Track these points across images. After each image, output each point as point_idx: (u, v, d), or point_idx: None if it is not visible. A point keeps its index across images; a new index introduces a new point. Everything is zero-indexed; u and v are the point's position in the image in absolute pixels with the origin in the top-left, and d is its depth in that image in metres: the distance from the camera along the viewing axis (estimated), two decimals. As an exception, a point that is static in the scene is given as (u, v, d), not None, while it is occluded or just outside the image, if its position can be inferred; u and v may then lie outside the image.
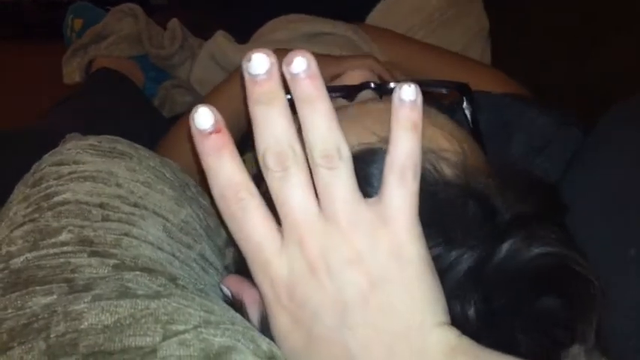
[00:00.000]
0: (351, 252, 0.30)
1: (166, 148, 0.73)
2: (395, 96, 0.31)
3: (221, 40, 0.90)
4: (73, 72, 1.01)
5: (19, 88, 1.09)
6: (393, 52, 0.86)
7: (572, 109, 0.70)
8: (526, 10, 0.95)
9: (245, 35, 0.95)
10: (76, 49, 1.01)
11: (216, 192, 0.31)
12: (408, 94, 0.30)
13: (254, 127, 0.30)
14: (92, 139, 0.48)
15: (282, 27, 0.90)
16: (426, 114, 0.31)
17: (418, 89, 0.31)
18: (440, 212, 0.34)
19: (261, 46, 0.92)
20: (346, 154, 0.30)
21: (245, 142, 0.45)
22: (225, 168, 0.30)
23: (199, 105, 0.30)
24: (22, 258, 0.37)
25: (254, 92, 0.29)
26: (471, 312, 0.33)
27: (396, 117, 0.30)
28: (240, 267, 0.37)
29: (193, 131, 0.30)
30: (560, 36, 0.88)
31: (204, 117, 0.30)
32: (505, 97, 0.63)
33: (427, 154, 0.36)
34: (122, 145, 0.49)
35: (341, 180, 0.30)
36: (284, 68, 0.29)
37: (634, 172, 0.48)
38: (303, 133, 0.30)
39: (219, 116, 0.30)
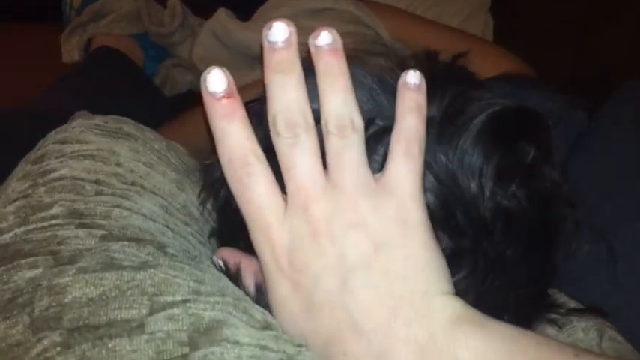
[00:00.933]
0: (355, 216, 0.30)
1: (173, 132, 0.72)
2: (400, 80, 0.32)
3: (223, 17, 0.89)
4: (72, 50, 1.00)
5: (19, 68, 1.08)
6: (397, 28, 0.86)
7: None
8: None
9: (246, 14, 0.93)
10: (75, 27, 1.00)
11: (224, 156, 0.31)
12: (412, 78, 0.32)
13: (268, 94, 0.31)
14: (99, 119, 0.48)
15: (286, 3, 0.89)
16: None
17: (422, 75, 0.33)
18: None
19: (264, 22, 0.90)
20: (360, 126, 0.31)
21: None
22: (234, 132, 0.31)
23: (212, 66, 0.30)
24: (11, 233, 0.36)
25: (272, 60, 0.30)
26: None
27: (402, 98, 0.32)
28: (232, 240, 0.37)
29: (204, 94, 0.30)
30: (554, 27, 0.87)
31: (216, 79, 0.30)
32: (508, 83, 0.62)
33: None
34: (128, 126, 0.49)
35: (352, 149, 0.30)
36: (309, 42, 0.31)
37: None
38: (320, 103, 0.31)
39: (231, 79, 0.31)
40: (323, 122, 0.31)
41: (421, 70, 0.35)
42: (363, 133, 0.31)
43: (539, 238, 0.36)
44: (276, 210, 0.31)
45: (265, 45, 0.31)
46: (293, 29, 0.31)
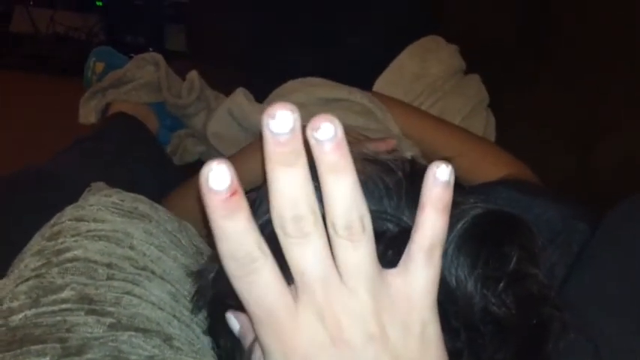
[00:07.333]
0: (375, 327, 0.29)
1: (180, 198, 0.74)
2: (430, 173, 0.30)
3: (241, 97, 0.90)
4: (89, 113, 1.02)
5: (30, 120, 1.11)
6: (405, 122, 0.88)
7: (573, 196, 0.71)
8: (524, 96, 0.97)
9: (260, 90, 0.96)
10: (95, 91, 1.03)
11: (226, 254, 0.28)
12: (443, 174, 0.30)
13: (271, 188, 0.28)
14: (116, 197, 0.48)
15: (300, 89, 0.91)
16: None
17: (452, 170, 0.30)
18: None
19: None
20: (369, 226, 0.29)
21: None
22: (238, 229, 0.27)
23: (214, 161, 0.26)
24: (21, 315, 0.36)
25: (275, 152, 0.27)
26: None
27: (429, 195, 0.30)
28: None
29: (204, 189, 0.26)
30: (563, 127, 0.90)
31: (219, 177, 0.26)
32: (512, 191, 0.64)
33: None
34: (144, 205, 0.50)
35: (364, 255, 0.29)
36: (308, 133, 0.27)
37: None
38: (325, 202, 0.28)
39: (235, 175, 0.27)
40: (329, 223, 0.28)
41: (405, 174, 0.36)
42: (372, 233, 0.29)
43: (527, 341, 0.36)
44: (286, 310, 0.29)
45: (268, 135, 0.26)
46: (297, 115, 0.26)
